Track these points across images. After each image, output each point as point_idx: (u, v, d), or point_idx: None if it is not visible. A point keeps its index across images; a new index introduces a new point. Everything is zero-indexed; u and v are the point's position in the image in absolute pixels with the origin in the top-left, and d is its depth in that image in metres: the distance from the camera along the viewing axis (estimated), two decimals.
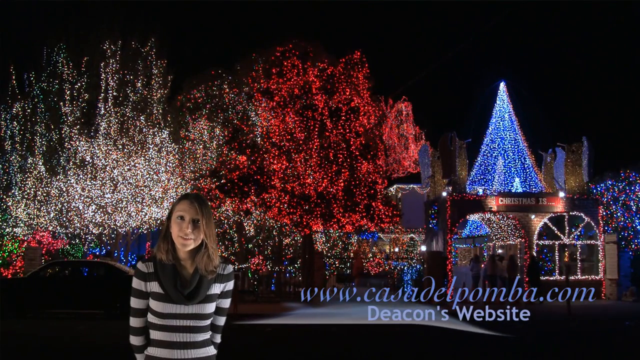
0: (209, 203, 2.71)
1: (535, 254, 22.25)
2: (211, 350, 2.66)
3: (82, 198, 23.20)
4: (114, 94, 24.56)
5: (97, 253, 25.66)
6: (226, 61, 39.57)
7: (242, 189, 19.04)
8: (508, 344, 11.78)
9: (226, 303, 2.74)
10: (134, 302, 2.63)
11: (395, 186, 31.95)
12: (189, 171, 25.28)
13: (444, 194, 22.51)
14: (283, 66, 19.84)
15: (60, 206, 23.65)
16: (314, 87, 19.80)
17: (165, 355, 2.55)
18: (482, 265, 22.55)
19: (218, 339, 2.77)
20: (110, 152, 23.38)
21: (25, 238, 24.03)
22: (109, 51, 24.75)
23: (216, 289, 2.65)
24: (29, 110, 24.92)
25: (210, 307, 2.63)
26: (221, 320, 2.76)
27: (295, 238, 25.33)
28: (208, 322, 2.64)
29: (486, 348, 11.24)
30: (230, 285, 2.72)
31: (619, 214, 24.56)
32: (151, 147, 24.07)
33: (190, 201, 2.61)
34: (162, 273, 2.57)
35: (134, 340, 2.67)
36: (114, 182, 23.39)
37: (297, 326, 14.38)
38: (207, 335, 2.65)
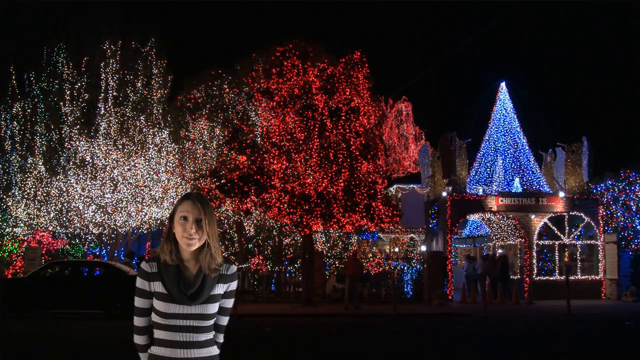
0: (210, 203, 2.70)
1: (506, 254, 22.39)
2: (214, 350, 2.67)
3: (82, 198, 23.18)
4: (114, 94, 24.54)
5: (121, 255, 25.43)
6: (226, 61, 39.58)
7: (242, 189, 19.03)
8: (507, 344, 11.79)
9: (229, 303, 2.74)
10: (138, 302, 2.64)
11: (395, 186, 31.93)
12: (189, 171, 25.25)
13: (444, 194, 22.52)
14: (283, 66, 19.82)
15: (60, 206, 23.63)
16: (314, 87, 19.80)
17: (168, 354, 2.56)
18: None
19: (221, 338, 2.78)
20: (110, 152, 23.36)
21: (25, 238, 24.02)
22: (109, 51, 24.72)
23: (219, 289, 2.65)
24: (29, 110, 24.91)
25: (214, 308, 2.63)
26: (224, 320, 2.77)
27: (295, 238, 25.32)
28: (211, 322, 2.65)
29: (486, 348, 11.24)
30: (233, 286, 2.72)
31: (619, 214, 24.57)
32: (151, 147, 24.05)
33: (192, 201, 2.62)
34: (166, 273, 2.58)
35: (138, 339, 2.68)
36: (114, 182, 23.37)
37: (297, 326, 14.38)
38: (210, 335, 2.65)
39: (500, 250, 25.21)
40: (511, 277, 22.01)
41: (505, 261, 21.36)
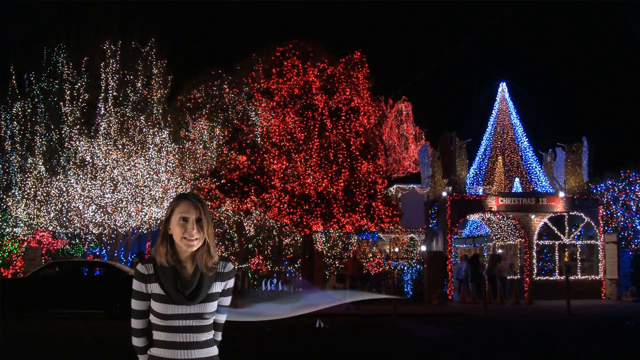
0: (207, 203, 2.70)
1: (477, 253, 22.43)
2: (214, 350, 2.66)
3: (82, 198, 23.19)
4: (114, 94, 24.55)
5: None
6: (226, 61, 39.57)
7: (242, 189, 19.05)
8: (507, 344, 11.79)
9: (227, 301, 2.73)
10: (135, 304, 2.63)
11: (395, 186, 31.93)
12: (189, 171, 25.27)
13: (444, 194, 22.50)
14: (283, 66, 19.85)
15: (60, 206, 23.63)
16: (314, 87, 19.82)
17: (168, 355, 2.55)
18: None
19: (219, 337, 2.77)
20: (110, 152, 23.37)
21: (25, 238, 24.01)
22: (109, 51, 24.73)
23: (217, 287, 2.64)
24: (29, 110, 24.91)
25: (212, 306, 2.62)
26: (222, 318, 2.75)
27: (295, 238, 25.32)
28: (210, 321, 2.63)
29: (486, 348, 11.24)
30: (230, 283, 2.71)
31: (619, 214, 24.54)
32: (151, 147, 24.06)
33: (191, 201, 2.60)
34: (162, 274, 2.57)
35: (136, 341, 2.67)
36: (114, 182, 23.38)
37: (297, 326, 14.37)
38: (210, 335, 2.64)
39: (500, 251, 25.20)
40: (506, 276, 22.03)
41: (476, 260, 21.56)
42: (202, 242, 2.60)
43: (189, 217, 2.57)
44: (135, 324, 2.64)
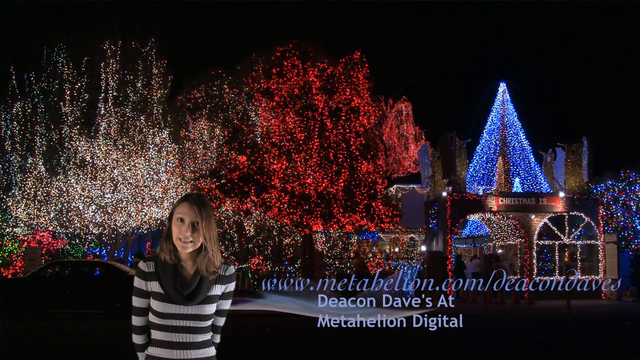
0: (211, 204, 2.69)
1: (460, 254, 22.57)
2: (211, 351, 2.66)
3: (82, 198, 23.19)
4: (114, 94, 24.55)
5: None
6: (226, 61, 39.59)
7: (242, 189, 19.07)
8: (508, 344, 11.79)
9: (226, 304, 2.73)
10: (136, 301, 2.64)
11: (395, 186, 31.94)
12: (189, 171, 25.27)
13: (444, 194, 22.50)
14: (283, 66, 19.87)
15: (60, 206, 23.63)
16: (314, 87, 19.83)
17: (165, 355, 2.56)
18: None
19: (217, 339, 2.77)
20: (110, 152, 23.37)
21: (25, 238, 24.02)
22: (109, 51, 24.74)
23: (217, 290, 2.64)
24: (29, 110, 24.91)
25: (211, 308, 2.62)
26: (221, 321, 2.76)
27: (295, 238, 25.33)
28: (208, 323, 2.64)
29: (486, 347, 11.23)
30: (231, 287, 2.71)
31: (619, 214, 24.55)
32: (151, 147, 24.06)
33: (190, 203, 2.60)
34: (163, 273, 2.58)
35: (136, 339, 2.68)
36: (114, 182, 23.38)
37: (297, 326, 14.38)
38: (207, 336, 2.64)
39: (500, 251, 25.20)
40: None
41: (459, 261, 21.84)
42: (199, 246, 2.60)
43: (185, 219, 2.57)
44: (136, 321, 2.66)
